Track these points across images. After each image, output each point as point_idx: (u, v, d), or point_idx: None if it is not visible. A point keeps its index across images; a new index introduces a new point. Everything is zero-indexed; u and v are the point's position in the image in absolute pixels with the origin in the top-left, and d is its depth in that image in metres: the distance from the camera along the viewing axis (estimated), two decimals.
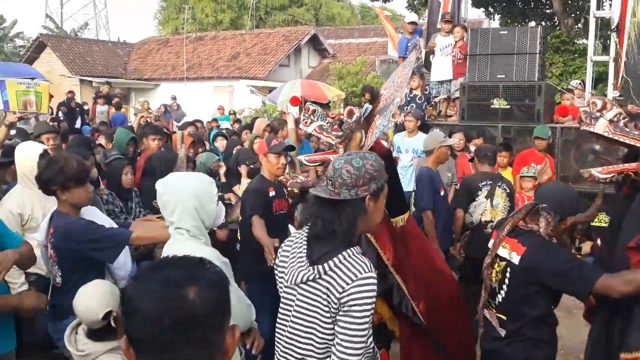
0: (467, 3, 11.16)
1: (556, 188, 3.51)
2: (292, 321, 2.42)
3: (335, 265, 2.30)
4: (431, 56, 9.47)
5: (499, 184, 5.71)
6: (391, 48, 20.56)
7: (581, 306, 6.50)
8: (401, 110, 8.77)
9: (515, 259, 3.09)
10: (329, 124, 3.64)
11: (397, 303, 3.37)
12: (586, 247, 7.18)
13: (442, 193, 5.77)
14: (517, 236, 3.15)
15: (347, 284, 2.25)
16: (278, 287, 2.56)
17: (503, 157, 7.15)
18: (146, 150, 6.19)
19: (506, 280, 3.16)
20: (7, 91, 13.91)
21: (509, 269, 3.14)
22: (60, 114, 14.44)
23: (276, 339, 2.54)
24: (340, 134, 3.55)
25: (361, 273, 2.26)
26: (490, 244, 3.33)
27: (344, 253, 2.32)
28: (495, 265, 3.24)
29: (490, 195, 5.65)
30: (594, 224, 7.23)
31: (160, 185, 2.63)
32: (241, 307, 2.73)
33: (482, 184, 5.66)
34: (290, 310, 2.44)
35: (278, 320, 2.53)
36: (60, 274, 3.23)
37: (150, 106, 17.88)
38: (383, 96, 3.61)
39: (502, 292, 3.19)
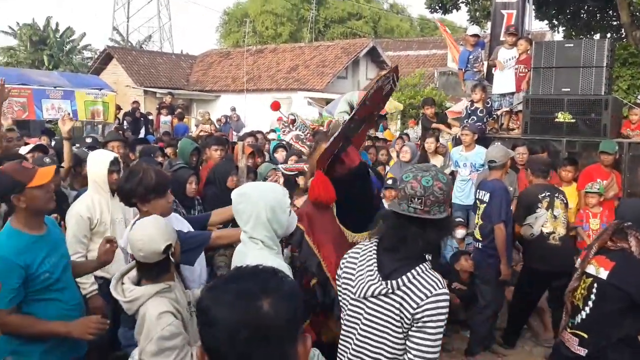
0: (531, 16, 10.94)
1: (636, 205, 3.41)
2: (359, 334, 2.41)
3: (409, 281, 2.29)
4: (493, 69, 9.32)
5: (556, 194, 5.70)
6: (450, 60, 20.33)
7: None
8: (461, 123, 8.67)
9: (603, 274, 3.05)
10: (307, 134, 3.67)
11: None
12: None
13: None
14: (605, 253, 3.11)
15: (422, 299, 2.25)
16: (342, 299, 2.54)
17: (568, 171, 6.98)
18: (209, 160, 6.34)
19: (592, 297, 3.11)
20: (76, 101, 14.62)
21: (595, 285, 3.09)
22: (125, 123, 14.94)
23: (339, 352, 2.52)
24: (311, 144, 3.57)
25: (435, 289, 2.27)
26: (578, 264, 3.30)
27: (417, 268, 2.32)
28: (581, 282, 3.20)
29: (550, 206, 5.60)
30: None
31: (235, 195, 2.69)
32: None
33: (542, 195, 5.61)
34: (357, 324, 2.42)
35: (342, 333, 2.51)
36: None
37: (210, 117, 18.33)
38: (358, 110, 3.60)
39: (587, 308, 3.14)
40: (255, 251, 2.62)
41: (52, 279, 3.06)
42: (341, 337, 2.52)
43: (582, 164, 7.54)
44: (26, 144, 6.61)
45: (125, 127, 14.05)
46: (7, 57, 39.46)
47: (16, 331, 2.96)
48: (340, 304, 2.56)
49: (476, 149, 7.63)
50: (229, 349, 1.28)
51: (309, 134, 3.68)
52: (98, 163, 4.31)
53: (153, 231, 2.70)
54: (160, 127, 15.33)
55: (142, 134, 14.23)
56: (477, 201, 5.73)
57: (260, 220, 2.61)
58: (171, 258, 2.75)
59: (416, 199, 2.32)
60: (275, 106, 4.14)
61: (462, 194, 7.65)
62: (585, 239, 6.96)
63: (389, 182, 6.70)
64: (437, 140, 8.34)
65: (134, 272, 2.82)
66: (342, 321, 2.54)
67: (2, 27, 50.27)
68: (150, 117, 16.56)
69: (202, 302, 1.34)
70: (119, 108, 16.13)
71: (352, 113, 3.39)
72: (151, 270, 2.73)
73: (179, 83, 28.42)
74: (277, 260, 2.60)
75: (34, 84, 14.06)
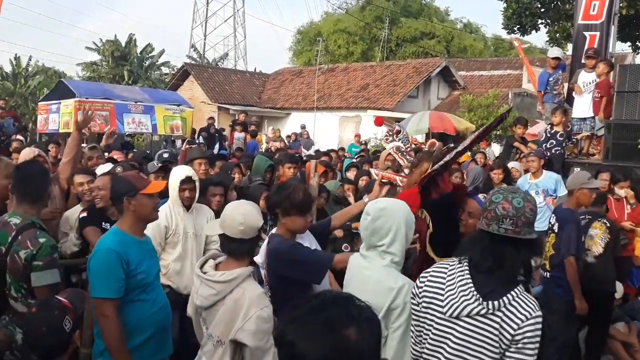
0: (615, 37, 10.54)
1: None
2: (448, 353, 2.40)
3: (509, 302, 2.32)
4: (574, 92, 9.03)
5: (599, 219, 5.70)
6: (527, 81, 19.84)
7: None
8: (539, 146, 8.44)
9: None
10: (407, 148, 3.71)
11: None
12: None
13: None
14: None
15: (522, 321, 2.29)
16: (422, 318, 2.52)
17: None
18: (282, 176, 6.44)
19: None
20: (156, 116, 15.21)
21: None
22: (200, 138, 15.38)
23: None
24: (412, 159, 3.59)
25: (534, 311, 2.32)
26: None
27: (516, 290, 2.36)
28: None
29: (587, 227, 5.61)
30: None
31: (374, 209, 2.73)
32: None
33: (581, 217, 5.59)
34: (445, 344, 2.42)
35: (426, 352, 2.49)
36: (269, 294, 3.39)
37: (281, 134, 18.63)
38: (467, 138, 3.62)
39: None
40: (382, 268, 2.67)
41: (146, 282, 3.24)
42: (424, 356, 2.51)
43: None
44: (110, 157, 6.90)
45: (200, 142, 14.46)
46: (89, 71, 41.51)
47: (109, 332, 3.06)
48: (417, 323, 2.56)
49: (544, 174, 7.39)
50: None
51: (409, 149, 3.76)
52: (173, 179, 4.49)
53: (252, 208, 2.92)
54: (234, 143, 15.69)
55: (216, 149, 14.61)
56: (549, 229, 5.55)
57: (400, 234, 2.67)
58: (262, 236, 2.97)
59: (507, 220, 2.36)
60: (379, 122, 4.27)
61: (537, 220, 7.39)
62: None
63: None
64: (504, 171, 8.02)
65: (210, 263, 2.95)
66: (419, 341, 2.53)
67: (87, 44, 53.04)
68: (224, 133, 16.98)
69: (286, 336, 1.32)
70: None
71: (468, 143, 3.42)
72: (244, 245, 2.87)
73: (252, 100, 29.03)
74: (401, 277, 2.66)
75: (116, 98, 14.73)
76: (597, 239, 5.54)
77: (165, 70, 44.65)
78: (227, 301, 2.76)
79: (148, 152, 11.57)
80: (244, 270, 2.82)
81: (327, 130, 24.14)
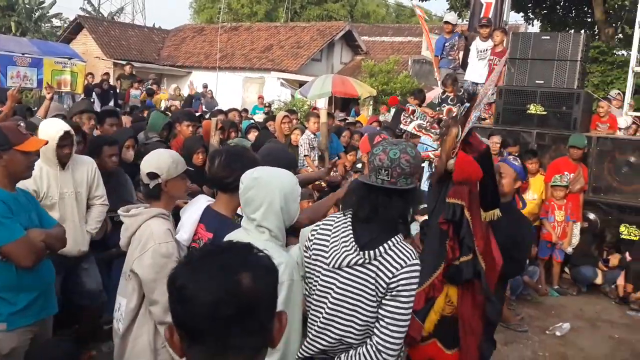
0: (509, 7, 10.98)
1: None
2: (330, 303, 2.46)
3: (385, 252, 2.39)
4: (468, 58, 9.36)
5: None
6: (425, 48, 20.34)
7: (605, 319, 6.44)
8: (433, 110, 8.71)
9: None
10: (428, 123, 3.76)
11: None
12: (614, 259, 7.13)
13: None
14: None
15: (397, 269, 2.36)
16: (311, 270, 2.56)
17: (533, 163, 7.08)
18: (179, 135, 6.24)
19: None
20: (44, 69, 14.19)
21: None
22: (94, 95, 14.63)
23: (309, 323, 2.55)
24: (439, 131, 3.62)
25: (410, 260, 2.39)
26: None
27: (393, 239, 2.42)
28: None
29: None
30: (623, 236, 7.18)
31: (248, 179, 2.49)
32: None
33: None
34: (328, 294, 2.48)
35: (313, 303, 2.54)
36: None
37: (181, 92, 18.07)
38: (479, 94, 3.69)
39: None
40: (261, 242, 2.37)
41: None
42: (311, 308, 2.55)
43: (550, 156, 7.70)
44: None
45: (93, 99, 13.75)
46: None
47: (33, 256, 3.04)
48: (308, 275, 2.59)
49: None
50: (208, 325, 1.24)
51: (430, 123, 3.74)
52: (49, 135, 3.88)
53: (156, 153, 3.01)
54: (130, 101, 15.06)
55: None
56: None
57: (273, 208, 2.44)
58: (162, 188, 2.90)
59: (383, 171, 2.42)
60: (394, 101, 4.24)
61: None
62: (550, 231, 7.11)
63: (359, 165, 6.70)
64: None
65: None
66: (310, 293, 2.56)
67: None
68: (118, 90, 16.26)
69: (177, 280, 1.27)
70: (92, 75, 15.87)
71: (480, 99, 3.42)
72: (151, 188, 2.90)
73: (150, 57, 27.86)
74: (284, 254, 2.49)
75: (1, 49, 13.63)
76: None
77: (57, 22, 41.82)
78: (136, 236, 2.81)
79: (35, 108, 10.85)
80: (152, 209, 2.86)
81: (230, 91, 23.65)
